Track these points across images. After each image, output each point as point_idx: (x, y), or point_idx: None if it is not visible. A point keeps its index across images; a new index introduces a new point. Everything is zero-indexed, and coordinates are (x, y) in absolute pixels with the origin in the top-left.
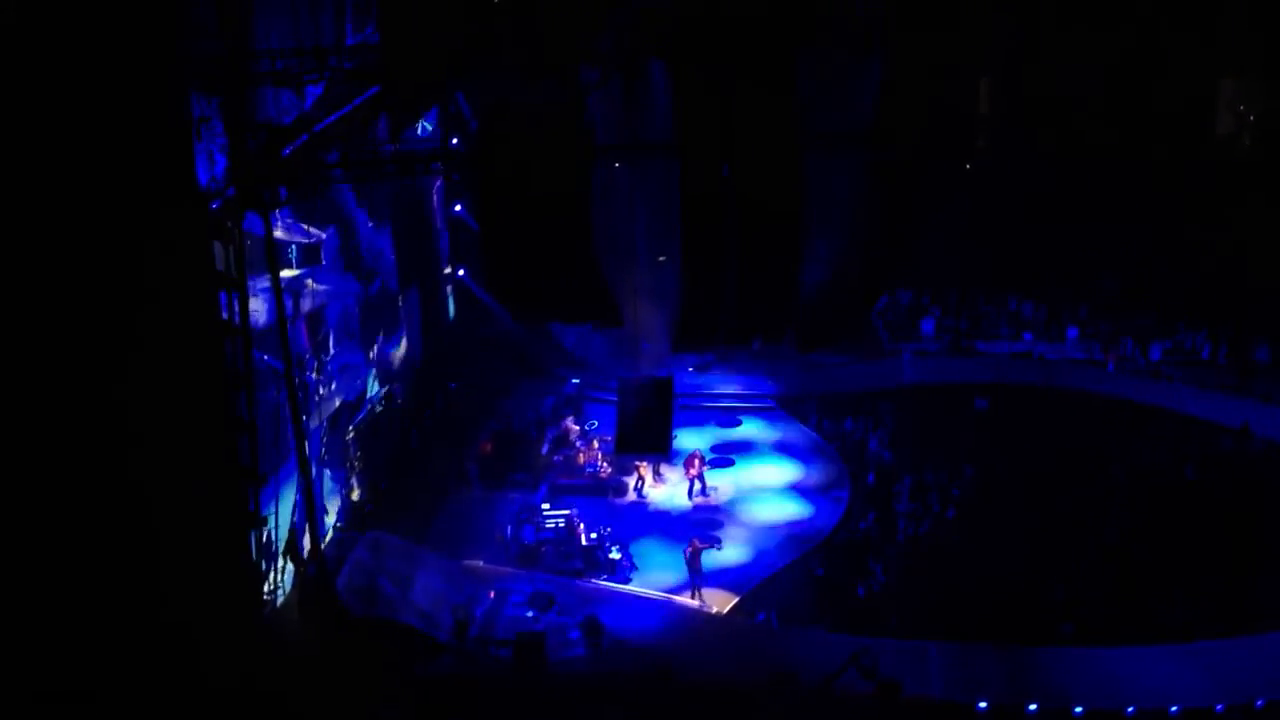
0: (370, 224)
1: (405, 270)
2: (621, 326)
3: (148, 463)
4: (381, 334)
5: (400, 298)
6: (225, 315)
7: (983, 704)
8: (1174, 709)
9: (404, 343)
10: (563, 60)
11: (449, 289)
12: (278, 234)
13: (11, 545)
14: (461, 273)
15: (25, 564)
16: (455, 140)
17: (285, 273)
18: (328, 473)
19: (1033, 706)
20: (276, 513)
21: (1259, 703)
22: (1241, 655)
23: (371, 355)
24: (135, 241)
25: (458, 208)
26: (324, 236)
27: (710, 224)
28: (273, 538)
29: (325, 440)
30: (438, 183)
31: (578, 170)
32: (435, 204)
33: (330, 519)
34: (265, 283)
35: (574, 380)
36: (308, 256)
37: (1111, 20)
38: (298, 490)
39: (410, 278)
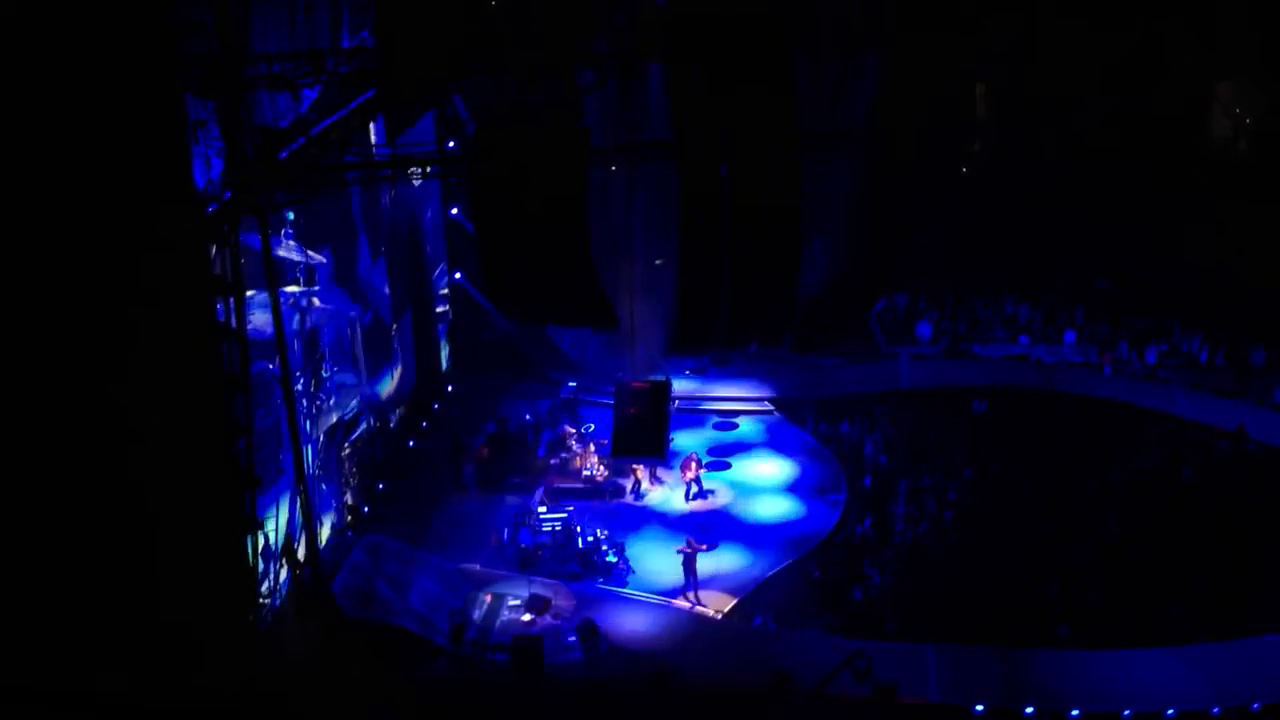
0: (368, 257)
1: (399, 300)
2: (618, 329)
3: (145, 465)
4: (375, 359)
5: (394, 327)
6: (222, 319)
7: (980, 707)
8: (1170, 711)
9: (398, 369)
10: (560, 62)
11: (442, 327)
12: (281, 253)
13: (9, 547)
14: (459, 275)
15: (23, 566)
16: (452, 143)
17: (291, 288)
18: (323, 487)
19: (1030, 709)
20: (276, 516)
21: (1255, 705)
22: (1238, 658)
23: (366, 378)
24: (131, 244)
25: (454, 210)
26: (324, 261)
27: (707, 225)
28: (270, 541)
29: (321, 455)
30: (430, 214)
31: (574, 172)
32: (427, 228)
33: (324, 531)
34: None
35: (570, 383)
36: (310, 275)
37: (1111, 20)
38: (293, 497)
39: (404, 307)
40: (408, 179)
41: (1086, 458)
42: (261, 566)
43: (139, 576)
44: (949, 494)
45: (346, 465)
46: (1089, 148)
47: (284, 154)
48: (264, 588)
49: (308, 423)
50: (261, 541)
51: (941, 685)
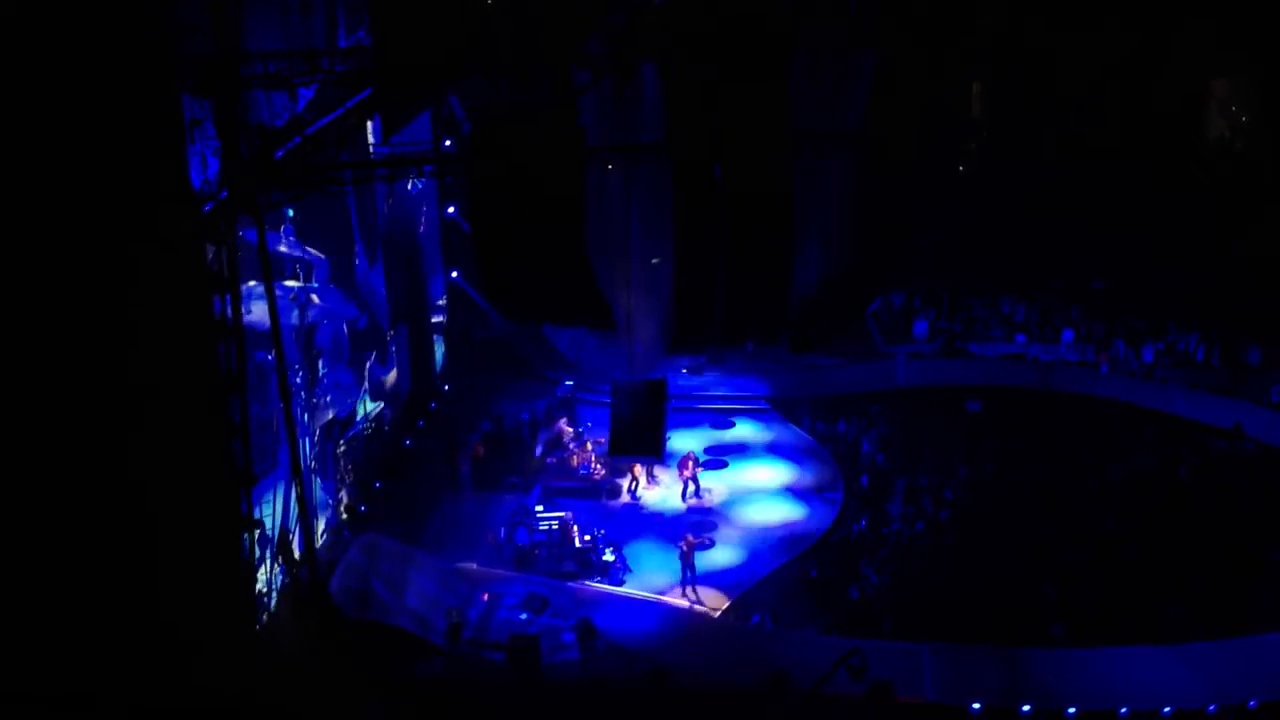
0: (364, 262)
1: (396, 306)
2: (614, 328)
3: (142, 464)
4: (372, 361)
5: (390, 333)
6: (219, 318)
7: (976, 705)
8: (1167, 710)
9: (393, 374)
10: (556, 62)
11: (438, 336)
12: (281, 249)
13: (8, 548)
14: (455, 275)
15: (21, 566)
16: (448, 142)
17: (290, 282)
18: (318, 481)
19: (1026, 708)
20: (274, 514)
21: (1251, 704)
22: (1234, 656)
23: (362, 379)
24: (129, 244)
25: (451, 210)
26: (323, 258)
27: (704, 225)
28: (269, 539)
29: (317, 451)
30: (425, 221)
31: (570, 172)
32: (424, 236)
33: (319, 526)
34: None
35: (567, 382)
36: (308, 273)
37: (1111, 20)
38: (288, 493)
39: (401, 313)
40: (404, 181)
41: (1083, 457)
42: (258, 553)
43: (137, 576)
44: (946, 493)
45: (342, 463)
46: (1088, 148)
47: (280, 153)
48: (260, 580)
49: (305, 415)
50: (257, 534)
51: (938, 684)
